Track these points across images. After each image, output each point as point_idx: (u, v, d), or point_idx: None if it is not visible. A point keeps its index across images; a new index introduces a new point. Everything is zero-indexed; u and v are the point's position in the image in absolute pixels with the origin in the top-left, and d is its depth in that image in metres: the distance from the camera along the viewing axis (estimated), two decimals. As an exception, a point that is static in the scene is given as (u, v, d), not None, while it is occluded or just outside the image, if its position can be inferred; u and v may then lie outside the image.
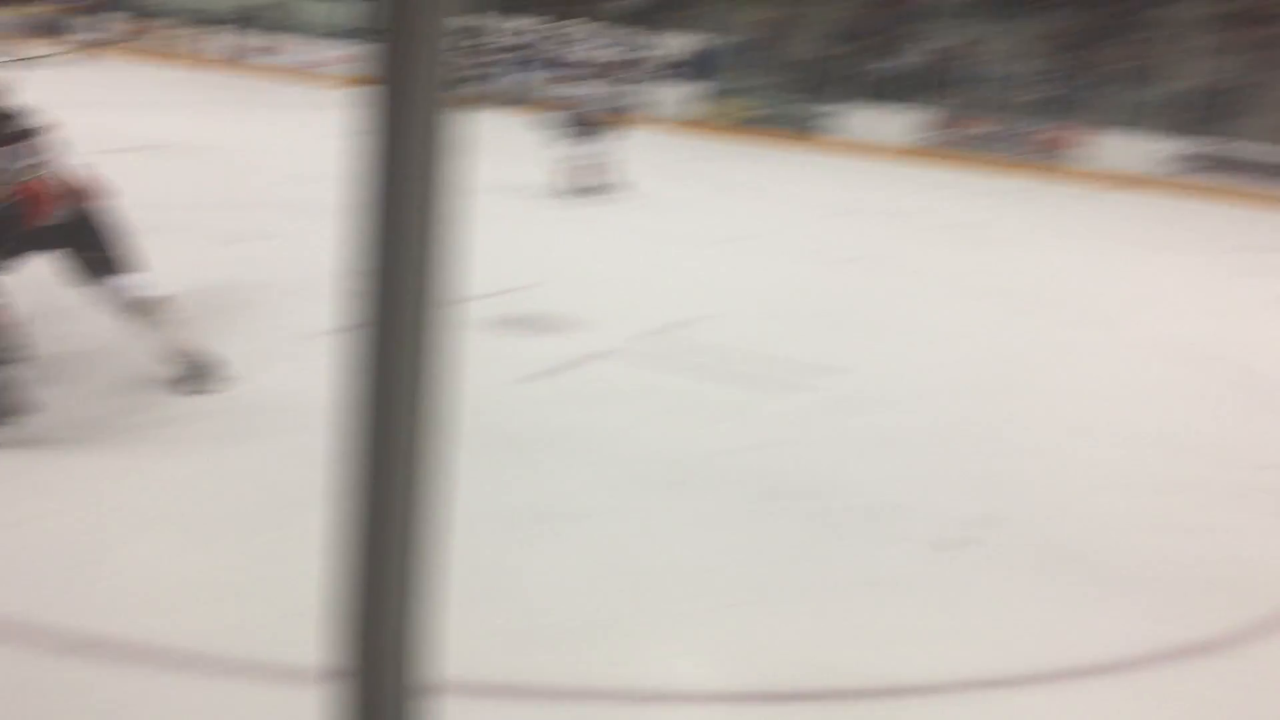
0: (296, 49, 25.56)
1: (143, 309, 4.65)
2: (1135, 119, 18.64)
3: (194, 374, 4.81)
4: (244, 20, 26.77)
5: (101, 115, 12.74)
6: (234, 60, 25.47)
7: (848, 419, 5.40)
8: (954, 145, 20.04)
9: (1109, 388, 6.42)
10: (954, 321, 7.77)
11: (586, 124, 11.41)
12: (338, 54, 24.44)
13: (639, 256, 9.09)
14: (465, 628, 3.02)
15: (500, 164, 11.55)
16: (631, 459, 4.60)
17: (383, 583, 1.12)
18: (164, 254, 7.30)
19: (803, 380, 5.88)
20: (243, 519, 3.76)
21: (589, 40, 23.96)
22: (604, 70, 11.83)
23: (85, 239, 4.53)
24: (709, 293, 7.82)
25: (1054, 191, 16.78)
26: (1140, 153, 18.36)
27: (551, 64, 23.65)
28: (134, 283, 4.60)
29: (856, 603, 3.59)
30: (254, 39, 26.06)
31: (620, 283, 7.96)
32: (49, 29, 23.87)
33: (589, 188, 11.35)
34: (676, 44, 23.42)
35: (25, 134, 4.32)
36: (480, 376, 5.15)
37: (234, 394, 4.88)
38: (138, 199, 8.04)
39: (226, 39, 26.07)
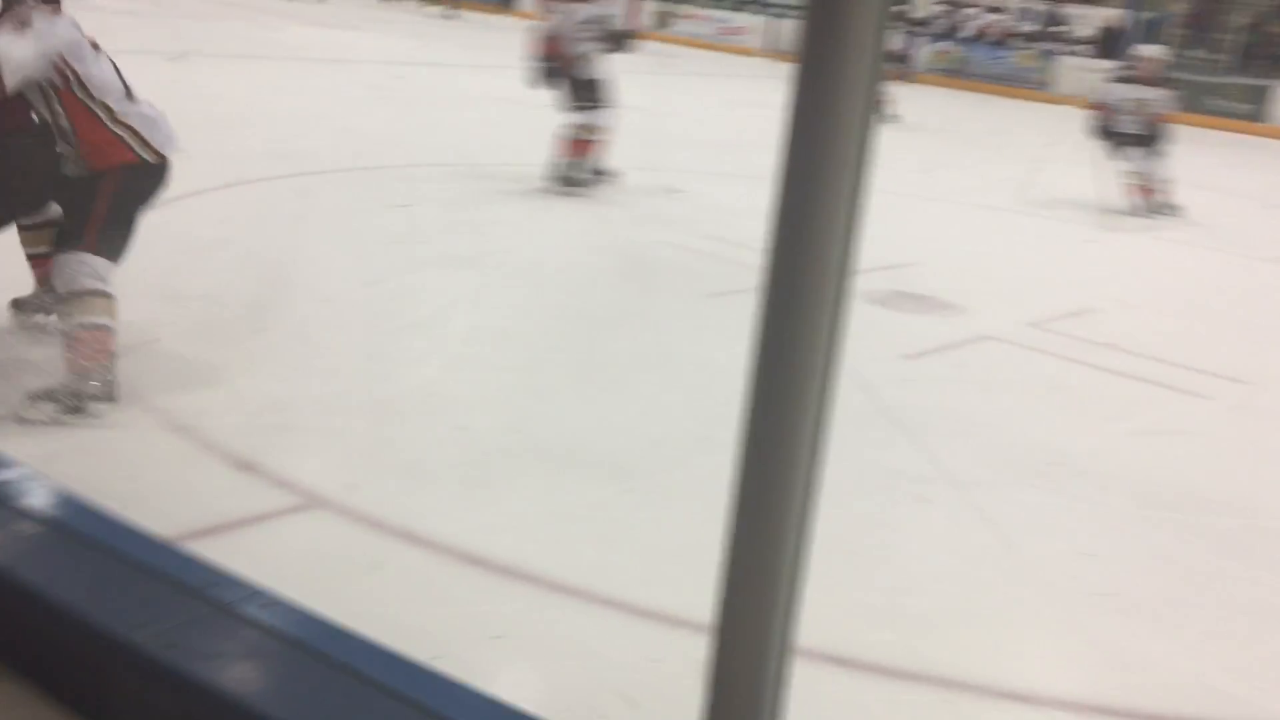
0: (720, 18, 26.24)
1: (66, 298, 3.77)
2: None
3: (66, 396, 3.69)
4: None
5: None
6: (658, 28, 26.45)
7: (1253, 433, 4.93)
8: None
9: None
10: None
11: (1136, 132, 9.77)
12: (759, 23, 24.90)
13: (1038, 240, 8.69)
14: (830, 598, 3.05)
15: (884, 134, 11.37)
16: (1010, 443, 4.43)
17: (763, 542, 1.15)
18: (574, 210, 7.86)
19: (1205, 385, 5.41)
20: (624, 464, 3.97)
21: (998, 14, 23.08)
22: (1151, 69, 10.03)
23: (74, 201, 3.90)
24: (1111, 284, 7.36)
25: None
26: None
27: (949, 36, 23.01)
28: (78, 264, 3.75)
29: (1252, 632, 3.28)
30: (679, 8, 27.00)
31: (1016, 266, 7.66)
32: None
33: (1146, 208, 9.84)
34: (1093, 18, 22.06)
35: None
36: (866, 349, 5.14)
37: (635, 345, 5.13)
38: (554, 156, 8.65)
39: (652, 6, 27.14)
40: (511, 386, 4.53)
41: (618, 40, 8.27)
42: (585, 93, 8.11)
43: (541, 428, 4.15)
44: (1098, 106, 10.06)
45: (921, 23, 22.98)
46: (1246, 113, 19.27)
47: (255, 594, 1.60)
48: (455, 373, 4.60)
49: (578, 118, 8.15)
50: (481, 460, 3.85)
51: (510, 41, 22.12)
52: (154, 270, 5.40)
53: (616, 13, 8.27)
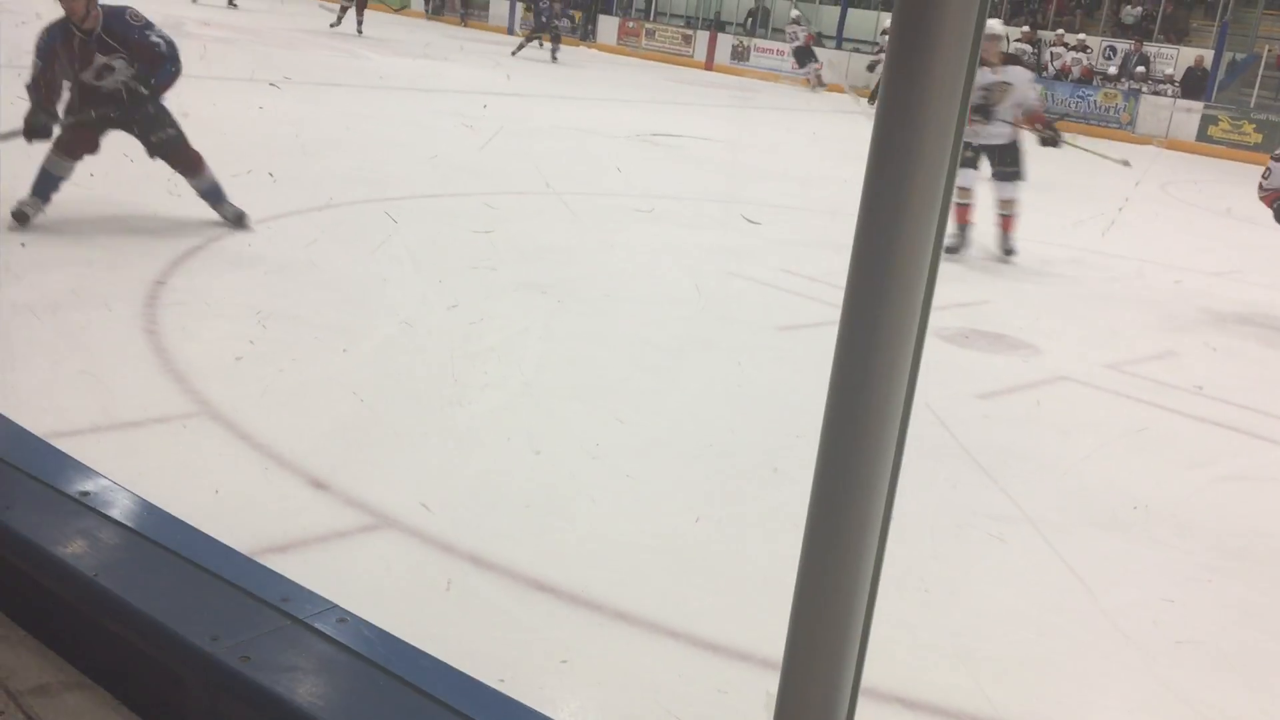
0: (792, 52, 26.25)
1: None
2: None
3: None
4: (749, 21, 27.92)
5: (604, 110, 13.83)
6: (735, 61, 26.51)
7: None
8: None
9: None
10: None
11: None
12: (835, 58, 24.86)
13: (1118, 282, 8.53)
14: (900, 636, 3.01)
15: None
16: (1087, 487, 4.35)
17: (835, 577, 1.15)
18: (648, 240, 7.91)
19: (1291, 434, 5.27)
20: (695, 494, 3.96)
21: (1081, 52, 22.81)
22: None
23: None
24: (1190, 328, 7.20)
25: None
26: None
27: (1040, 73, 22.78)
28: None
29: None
30: (755, 41, 27.05)
31: (1095, 307, 7.53)
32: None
33: None
34: (1178, 57, 21.69)
35: None
36: (940, 386, 5.09)
37: (707, 375, 5.14)
38: (634, 187, 8.72)
39: (729, 40, 27.25)
40: (583, 414, 4.55)
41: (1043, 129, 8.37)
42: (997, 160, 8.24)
43: (612, 456, 4.16)
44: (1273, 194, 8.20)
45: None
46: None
47: (329, 609, 1.62)
48: (529, 398, 4.64)
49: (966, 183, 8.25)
50: (552, 486, 3.87)
51: (587, 75, 22.43)
52: (239, 290, 5.54)
53: (1012, 83, 8.23)
